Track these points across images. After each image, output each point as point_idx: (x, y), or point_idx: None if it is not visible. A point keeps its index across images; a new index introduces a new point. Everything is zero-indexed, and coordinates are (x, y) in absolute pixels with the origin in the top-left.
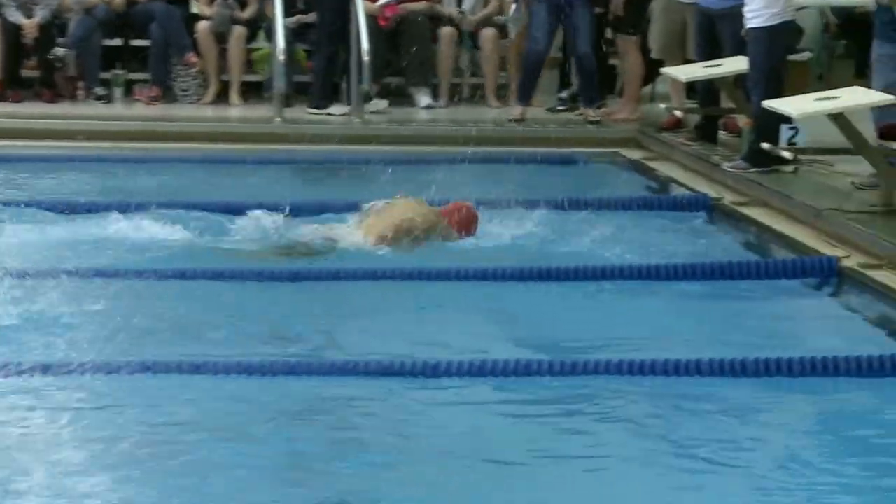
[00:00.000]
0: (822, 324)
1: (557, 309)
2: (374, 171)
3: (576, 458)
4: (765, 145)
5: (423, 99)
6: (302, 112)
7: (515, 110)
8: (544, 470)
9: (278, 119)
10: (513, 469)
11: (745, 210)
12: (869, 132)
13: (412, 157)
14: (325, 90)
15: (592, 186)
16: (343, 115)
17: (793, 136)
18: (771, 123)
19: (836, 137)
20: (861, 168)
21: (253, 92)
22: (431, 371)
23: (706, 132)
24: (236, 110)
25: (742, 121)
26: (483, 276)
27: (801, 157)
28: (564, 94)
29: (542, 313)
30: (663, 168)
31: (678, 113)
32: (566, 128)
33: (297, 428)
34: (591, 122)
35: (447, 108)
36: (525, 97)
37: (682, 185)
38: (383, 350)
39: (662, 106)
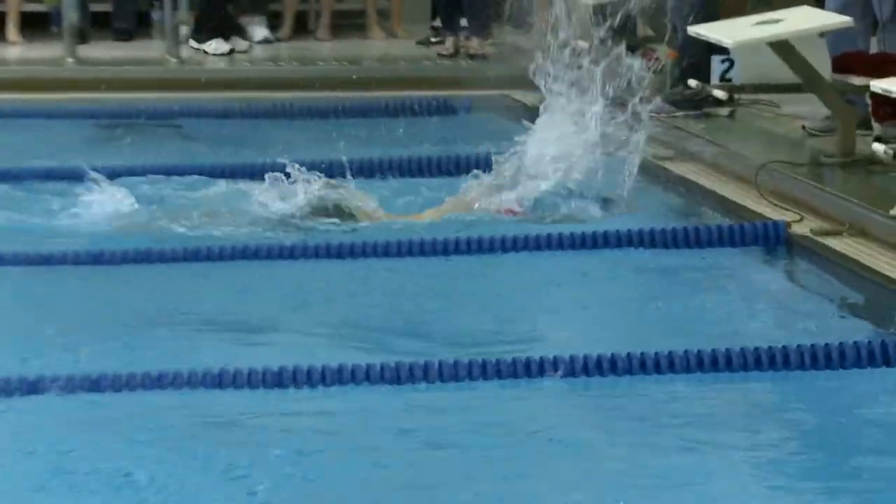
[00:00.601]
0: (767, 305)
1: (439, 290)
2: (188, 127)
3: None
4: (692, 83)
5: (258, 31)
6: (102, 50)
7: (446, 42)
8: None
9: (70, 60)
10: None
11: (670, 165)
12: (823, 64)
13: (239, 109)
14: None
15: (477, 141)
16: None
17: (727, 71)
18: (700, 55)
19: (782, 71)
20: (814, 109)
21: (37, 26)
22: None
23: None
24: (15, 50)
25: (664, 52)
26: (351, 251)
27: (738, 96)
28: (438, 23)
29: (424, 295)
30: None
31: (583, 44)
32: (440, 65)
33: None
34: (474, 56)
35: (290, 41)
36: (450, 24)
37: None
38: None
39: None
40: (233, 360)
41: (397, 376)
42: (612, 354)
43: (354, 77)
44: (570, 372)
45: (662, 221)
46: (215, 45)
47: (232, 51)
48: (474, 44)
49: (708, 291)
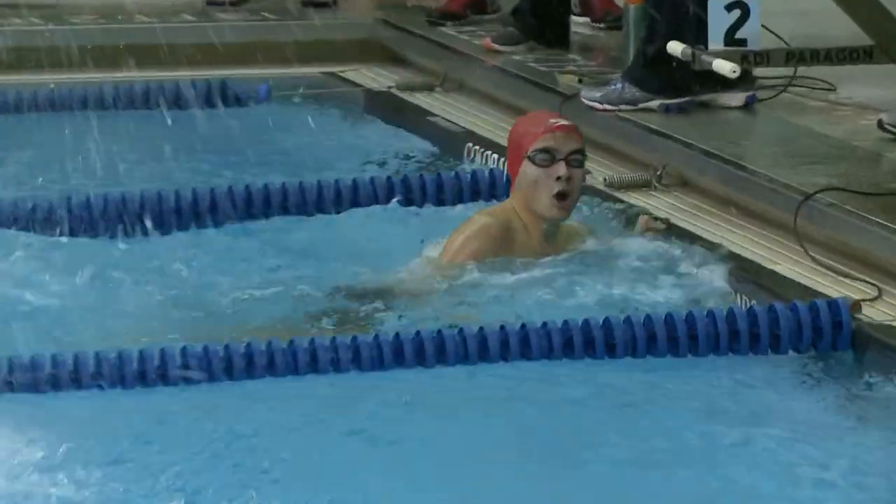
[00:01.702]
0: (816, 454)
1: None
2: None
3: None
4: (673, 46)
5: None
6: None
7: None
8: None
9: None
10: None
11: (636, 198)
12: None
13: None
14: None
15: (277, 152)
16: None
17: (738, 27)
18: None
19: (839, 27)
20: (892, 93)
21: None
22: None
23: (540, 23)
24: None
25: None
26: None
27: (758, 71)
28: None
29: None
30: (446, 107)
31: None
32: (216, 25)
33: None
34: (318, 5)
35: None
36: None
37: (493, 145)
38: None
39: None
40: None
41: None
42: None
43: (66, 46)
44: None
45: (624, 301)
46: None
47: None
48: None
49: (707, 430)
